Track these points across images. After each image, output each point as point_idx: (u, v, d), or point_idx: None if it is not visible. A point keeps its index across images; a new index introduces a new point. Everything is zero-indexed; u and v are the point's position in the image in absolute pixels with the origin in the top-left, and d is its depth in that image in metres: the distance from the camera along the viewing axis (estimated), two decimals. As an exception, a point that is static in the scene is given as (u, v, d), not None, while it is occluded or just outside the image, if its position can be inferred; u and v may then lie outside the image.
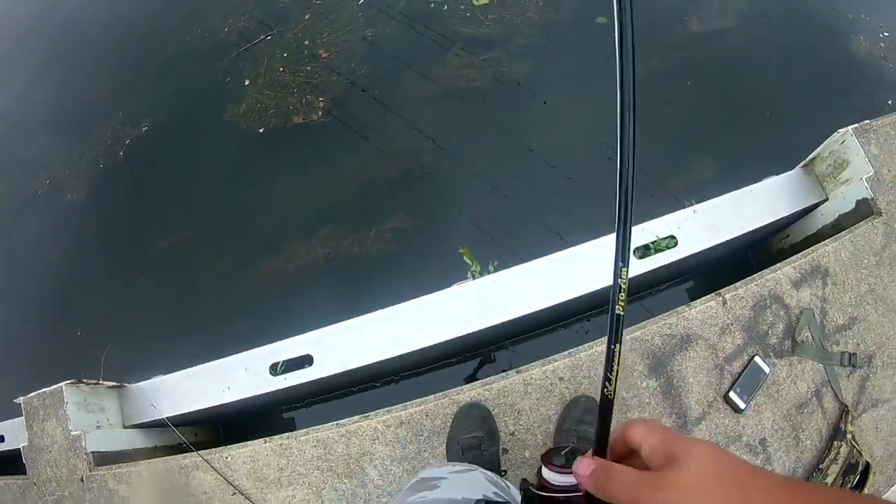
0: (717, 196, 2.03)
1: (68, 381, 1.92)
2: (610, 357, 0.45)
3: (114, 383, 2.07)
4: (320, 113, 2.97)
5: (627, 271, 0.45)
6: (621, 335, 0.45)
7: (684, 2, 3.29)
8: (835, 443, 1.64)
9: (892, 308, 1.85)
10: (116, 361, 2.58)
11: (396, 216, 2.90)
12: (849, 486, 1.57)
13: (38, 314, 3.41)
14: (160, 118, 3.65)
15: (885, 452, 1.73)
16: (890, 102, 3.86)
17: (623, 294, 0.45)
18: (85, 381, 1.99)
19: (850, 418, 1.69)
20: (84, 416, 1.93)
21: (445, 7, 2.89)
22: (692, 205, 2.02)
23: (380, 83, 2.90)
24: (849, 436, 1.65)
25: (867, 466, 1.64)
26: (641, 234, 1.94)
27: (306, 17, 3.09)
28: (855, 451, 1.64)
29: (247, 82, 3.19)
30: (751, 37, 3.61)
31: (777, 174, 2.21)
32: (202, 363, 2.05)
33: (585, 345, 1.71)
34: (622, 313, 0.45)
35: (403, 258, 2.74)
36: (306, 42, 3.05)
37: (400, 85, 2.88)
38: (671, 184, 2.96)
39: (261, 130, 3.13)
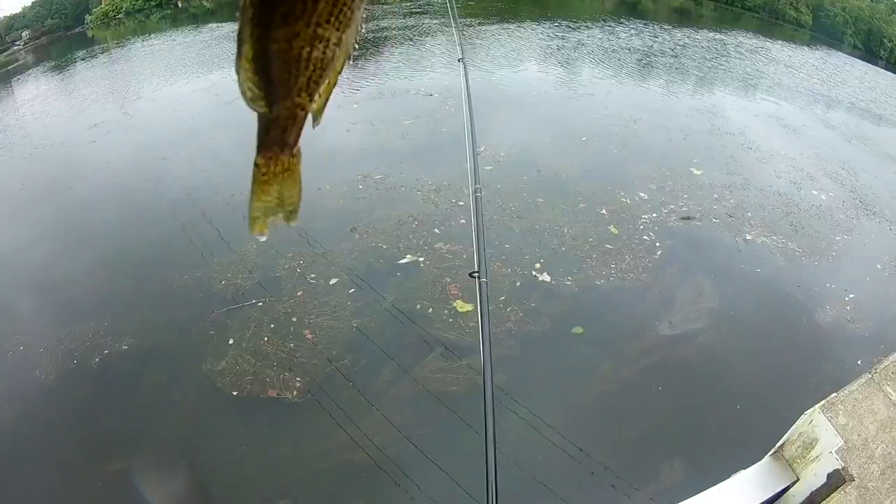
0: (687, 498, 1.99)
1: None
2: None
3: None
4: (295, 392, 2.99)
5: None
6: None
7: (657, 308, 3.52)
8: None
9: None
10: None
11: None
12: None
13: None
14: (143, 343, 3.66)
15: None
16: (860, 362, 3.98)
17: None
18: None
19: None
20: None
21: (430, 310, 3.05)
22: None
23: (360, 373, 2.97)
24: None
25: None
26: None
27: (298, 293, 3.25)
28: None
29: (230, 341, 3.25)
30: (721, 331, 3.81)
31: (747, 467, 2.21)
32: None
33: None
34: None
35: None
36: (294, 319, 3.17)
37: (379, 378, 2.94)
38: (645, 490, 2.92)
39: (234, 393, 3.13)
